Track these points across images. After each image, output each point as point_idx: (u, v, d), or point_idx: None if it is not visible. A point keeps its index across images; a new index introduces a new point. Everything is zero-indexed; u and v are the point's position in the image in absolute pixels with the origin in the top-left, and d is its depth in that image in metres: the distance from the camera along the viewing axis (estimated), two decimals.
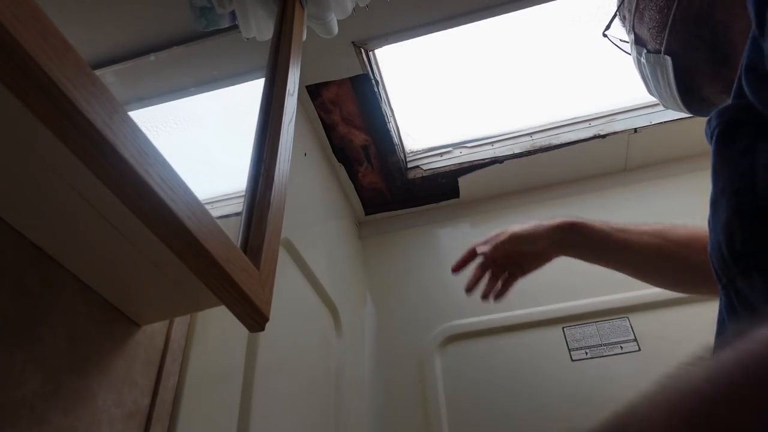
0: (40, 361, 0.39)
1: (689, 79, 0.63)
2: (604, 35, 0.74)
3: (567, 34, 1.08)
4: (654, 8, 0.62)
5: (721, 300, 0.43)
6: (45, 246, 0.40)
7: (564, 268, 1.11)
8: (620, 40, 0.73)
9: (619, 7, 0.70)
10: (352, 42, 0.94)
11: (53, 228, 0.39)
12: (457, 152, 1.25)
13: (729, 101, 0.42)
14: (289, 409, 0.74)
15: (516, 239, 0.86)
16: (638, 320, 1.00)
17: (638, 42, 0.67)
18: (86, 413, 0.42)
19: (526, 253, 0.87)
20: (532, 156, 1.20)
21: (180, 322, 0.56)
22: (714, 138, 0.42)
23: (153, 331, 0.52)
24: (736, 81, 0.41)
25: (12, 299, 0.38)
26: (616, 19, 0.72)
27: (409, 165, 1.27)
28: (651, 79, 0.68)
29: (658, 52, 0.63)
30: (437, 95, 1.20)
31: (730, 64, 0.56)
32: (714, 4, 0.55)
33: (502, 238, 0.86)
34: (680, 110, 0.67)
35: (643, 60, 0.67)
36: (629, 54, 0.72)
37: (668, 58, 0.62)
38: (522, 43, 1.09)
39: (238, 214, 0.53)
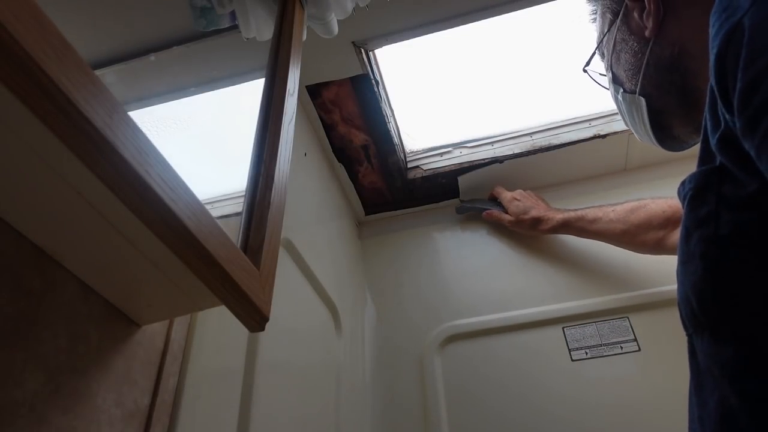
0: (40, 361, 0.39)
1: (662, 120, 0.66)
2: (584, 71, 0.77)
3: (567, 34, 1.08)
4: (629, 52, 0.66)
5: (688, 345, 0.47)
6: (45, 246, 0.40)
7: (564, 268, 1.11)
8: (599, 74, 0.77)
9: (598, 45, 0.73)
10: (352, 42, 0.94)
11: (53, 228, 0.39)
12: (457, 152, 1.25)
13: (696, 168, 0.44)
14: (290, 408, 0.74)
15: (518, 226, 1.15)
16: (638, 320, 1.00)
17: (615, 81, 0.71)
18: (86, 413, 0.42)
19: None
20: (532, 156, 1.20)
21: (180, 322, 0.56)
22: (686, 201, 0.44)
23: (153, 331, 0.52)
24: (700, 148, 0.43)
25: (12, 299, 0.38)
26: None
27: (409, 165, 1.27)
28: (627, 116, 0.73)
29: (633, 92, 0.67)
30: (437, 95, 1.20)
31: (698, 108, 0.60)
32: (683, 53, 0.58)
33: (507, 218, 1.16)
34: (654, 145, 0.72)
35: (620, 98, 0.71)
36: (607, 89, 0.75)
37: (642, 100, 0.66)
38: (522, 43, 1.10)
39: (238, 214, 0.53)
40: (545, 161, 1.21)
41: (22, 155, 0.32)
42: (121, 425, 0.45)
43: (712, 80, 0.38)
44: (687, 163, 1.22)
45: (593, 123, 1.18)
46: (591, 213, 1.05)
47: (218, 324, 0.60)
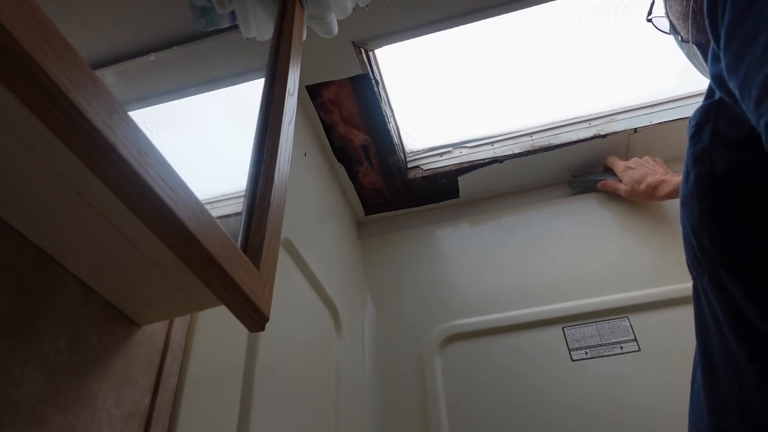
0: (40, 361, 0.39)
1: None
2: (648, 20, 0.75)
3: (567, 34, 1.08)
4: None
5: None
6: (45, 246, 0.40)
7: (564, 268, 1.11)
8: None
9: None
10: (352, 42, 0.94)
11: (53, 228, 0.39)
12: (457, 152, 1.25)
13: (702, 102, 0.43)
14: (289, 409, 0.74)
15: (633, 195, 1.11)
16: (638, 320, 1.00)
17: (672, 29, 0.68)
18: (86, 413, 0.42)
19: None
20: (532, 156, 1.20)
21: (180, 322, 0.56)
22: (689, 139, 0.43)
23: (153, 331, 0.52)
24: (708, 84, 0.42)
25: (12, 299, 0.38)
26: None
27: (409, 165, 1.27)
28: (692, 64, 0.69)
29: (687, 41, 0.64)
30: (437, 95, 1.20)
31: None
32: None
33: (623, 187, 1.12)
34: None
35: (678, 47, 0.68)
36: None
37: (696, 48, 0.63)
38: (522, 43, 1.09)
39: (238, 214, 0.53)
40: (545, 161, 1.21)
41: (22, 155, 0.32)
42: (121, 425, 0.45)
43: (705, 12, 0.37)
44: None
45: (593, 123, 1.18)
46: None
47: (218, 324, 0.60)
